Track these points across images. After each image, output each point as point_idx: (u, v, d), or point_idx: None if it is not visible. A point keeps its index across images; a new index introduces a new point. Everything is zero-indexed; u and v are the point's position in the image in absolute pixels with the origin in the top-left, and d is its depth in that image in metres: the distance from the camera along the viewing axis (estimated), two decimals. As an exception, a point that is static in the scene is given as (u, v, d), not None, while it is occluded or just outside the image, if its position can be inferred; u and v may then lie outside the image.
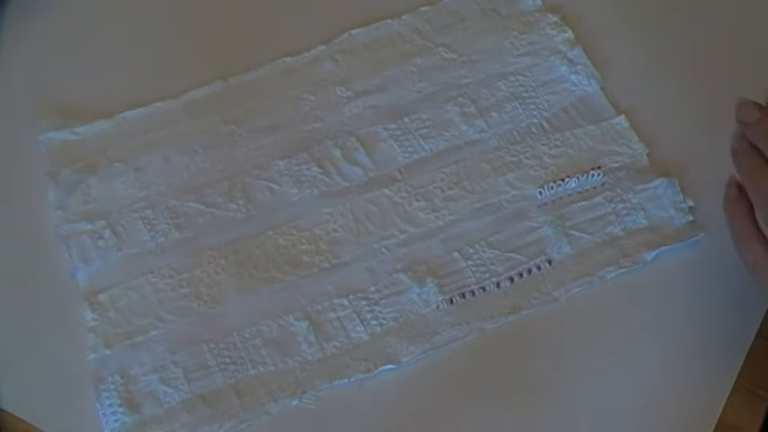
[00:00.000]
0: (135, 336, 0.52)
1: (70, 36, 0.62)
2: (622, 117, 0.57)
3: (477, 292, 0.52)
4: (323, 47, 0.61)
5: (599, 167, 0.55)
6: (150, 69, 0.60)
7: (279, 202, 0.55)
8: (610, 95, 0.58)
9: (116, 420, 0.49)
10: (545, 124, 0.57)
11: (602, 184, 0.55)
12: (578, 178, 0.55)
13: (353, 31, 0.61)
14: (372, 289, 0.53)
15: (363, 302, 0.52)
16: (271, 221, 0.55)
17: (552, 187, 0.55)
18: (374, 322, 0.52)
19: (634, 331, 0.51)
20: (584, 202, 0.54)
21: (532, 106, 0.58)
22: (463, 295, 0.52)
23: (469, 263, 0.53)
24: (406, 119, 0.58)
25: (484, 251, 0.53)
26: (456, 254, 0.53)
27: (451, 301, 0.52)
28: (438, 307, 0.52)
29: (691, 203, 0.54)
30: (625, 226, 0.53)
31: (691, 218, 0.53)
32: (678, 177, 0.54)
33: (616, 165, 0.55)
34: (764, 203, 0.44)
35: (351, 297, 0.52)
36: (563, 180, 0.55)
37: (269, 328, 0.52)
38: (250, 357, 0.51)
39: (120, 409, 0.50)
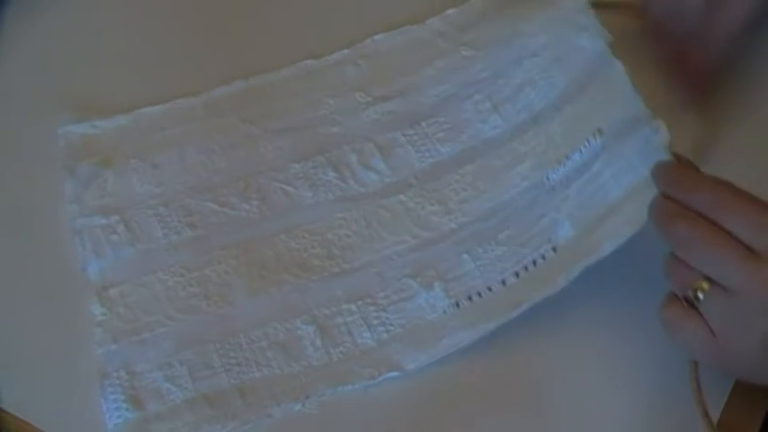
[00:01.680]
0: (142, 332, 0.52)
1: (95, 29, 0.62)
2: (619, 65, 0.52)
3: (483, 293, 0.51)
4: (346, 51, 0.60)
5: (599, 130, 0.52)
6: (172, 66, 0.60)
7: (293, 205, 0.55)
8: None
9: (119, 416, 0.49)
10: (558, 102, 0.55)
11: (603, 147, 0.51)
12: (581, 151, 0.52)
13: (376, 37, 0.61)
14: (381, 295, 0.52)
15: (371, 308, 0.52)
16: (284, 224, 0.55)
17: (559, 169, 0.53)
18: (381, 329, 0.51)
19: (635, 328, 0.50)
20: (586, 174, 0.52)
21: (546, 88, 0.55)
22: (470, 298, 0.52)
23: (478, 263, 0.52)
24: (423, 123, 0.57)
25: (493, 249, 0.52)
26: (465, 255, 0.52)
27: (458, 305, 0.51)
28: (445, 311, 0.51)
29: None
30: (625, 186, 0.50)
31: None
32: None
33: (615, 120, 0.51)
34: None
35: (359, 303, 0.52)
36: (567, 158, 0.53)
37: (276, 331, 0.52)
38: (255, 359, 0.51)
39: (124, 405, 0.50)
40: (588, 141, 0.52)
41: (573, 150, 0.52)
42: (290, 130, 0.58)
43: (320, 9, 0.62)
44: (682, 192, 0.45)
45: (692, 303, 0.44)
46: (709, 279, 0.43)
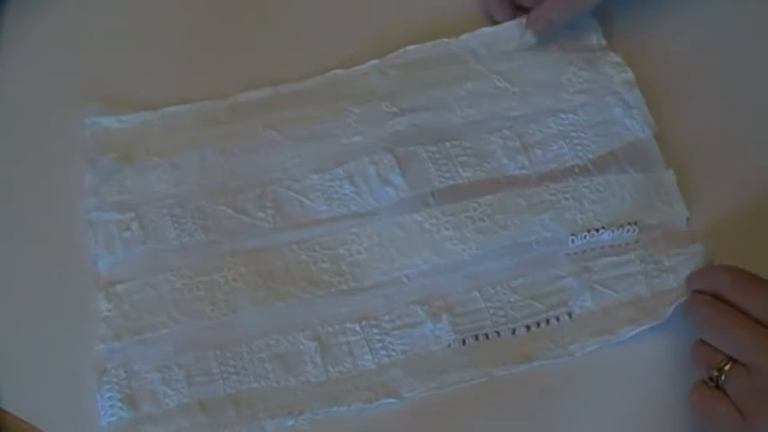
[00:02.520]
0: (144, 332, 0.52)
1: (127, 26, 0.61)
2: (670, 172, 0.54)
3: (491, 336, 0.51)
4: (376, 61, 0.59)
5: (635, 223, 0.53)
6: (202, 68, 0.59)
7: (307, 217, 0.54)
8: (661, 145, 0.55)
9: (113, 414, 0.50)
10: (590, 166, 0.55)
11: (636, 241, 0.52)
12: (613, 231, 0.53)
13: (409, 48, 0.59)
14: (386, 318, 0.52)
15: (375, 330, 0.51)
16: (296, 236, 0.54)
17: (585, 236, 0.53)
18: (383, 352, 0.51)
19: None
20: (614, 258, 0.52)
21: (579, 147, 0.55)
22: (476, 337, 0.51)
23: (488, 304, 0.51)
24: (447, 143, 0.56)
25: (505, 293, 0.52)
26: (476, 293, 0.52)
27: (464, 342, 0.51)
28: (449, 346, 0.51)
29: None
30: (653, 287, 0.51)
31: None
32: (715, 242, 0.52)
33: (654, 222, 0.53)
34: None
35: (363, 323, 0.51)
36: (597, 231, 0.53)
37: (277, 344, 0.51)
38: (254, 370, 0.51)
39: (119, 404, 0.50)
40: (622, 227, 0.53)
41: (604, 226, 0.53)
42: (312, 138, 0.57)
43: (353, 19, 0.61)
44: (702, 279, 0.48)
45: (717, 384, 0.45)
46: (731, 359, 0.44)
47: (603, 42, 0.59)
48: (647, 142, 0.55)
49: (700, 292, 0.48)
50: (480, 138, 0.56)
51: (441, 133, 0.56)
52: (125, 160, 0.56)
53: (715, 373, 0.45)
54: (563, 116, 0.56)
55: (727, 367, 0.44)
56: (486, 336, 0.51)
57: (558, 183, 0.54)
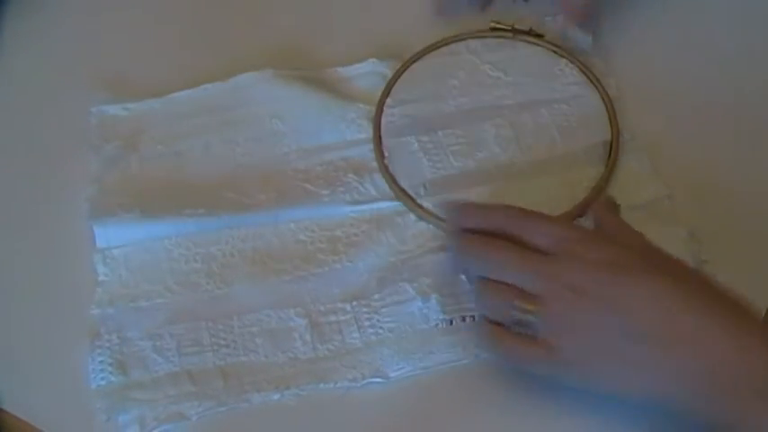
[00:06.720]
0: (139, 299, 0.52)
1: (134, 13, 0.64)
2: (643, 154, 0.56)
3: (477, 318, 0.51)
4: (373, 60, 0.61)
5: (619, 205, 0.53)
6: (206, 55, 0.61)
7: (309, 199, 0.55)
8: (648, 134, 0.57)
9: (103, 378, 0.50)
10: (582, 155, 0.56)
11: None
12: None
13: None
14: (376, 297, 0.52)
15: (365, 309, 0.52)
16: (296, 215, 0.55)
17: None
18: (371, 330, 0.51)
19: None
20: None
21: (571, 138, 0.56)
22: (464, 319, 0.51)
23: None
24: (440, 132, 0.57)
25: None
26: (463, 276, 0.52)
27: (451, 323, 0.51)
28: (437, 325, 0.51)
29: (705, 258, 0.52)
30: None
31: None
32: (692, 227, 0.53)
33: (639, 203, 0.54)
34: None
35: (354, 303, 0.52)
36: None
37: (268, 319, 0.52)
38: (244, 343, 0.51)
39: (110, 368, 0.50)
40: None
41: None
42: (317, 132, 0.58)
43: (353, 20, 0.63)
44: (472, 218, 0.49)
45: (512, 324, 0.46)
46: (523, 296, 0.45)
47: (590, 41, 0.60)
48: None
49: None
50: (473, 126, 0.57)
51: (433, 122, 0.58)
52: (129, 148, 0.58)
53: (516, 314, 0.45)
54: (556, 106, 0.57)
55: (530, 306, 0.44)
56: (473, 317, 0.51)
57: (548, 175, 0.55)
